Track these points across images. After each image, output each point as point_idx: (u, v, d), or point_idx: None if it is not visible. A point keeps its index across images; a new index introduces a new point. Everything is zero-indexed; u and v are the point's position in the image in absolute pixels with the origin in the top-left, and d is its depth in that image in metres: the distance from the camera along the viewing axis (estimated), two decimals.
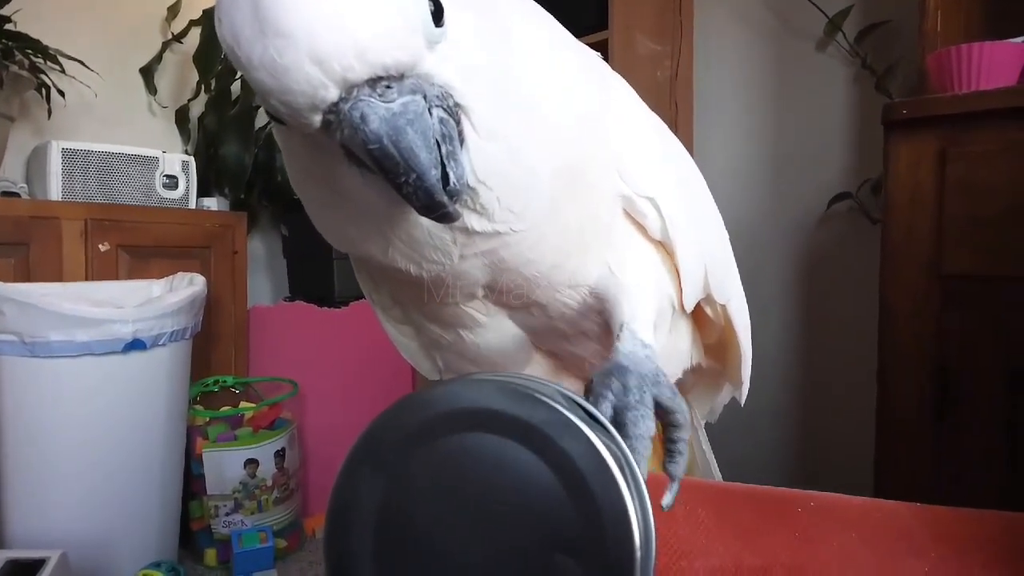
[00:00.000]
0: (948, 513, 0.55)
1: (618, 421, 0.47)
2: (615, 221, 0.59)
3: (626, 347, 0.52)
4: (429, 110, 0.41)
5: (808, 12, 2.00)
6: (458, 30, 0.43)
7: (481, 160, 0.44)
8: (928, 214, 1.36)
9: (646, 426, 0.47)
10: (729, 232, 0.76)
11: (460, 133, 0.43)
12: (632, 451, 0.45)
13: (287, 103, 0.38)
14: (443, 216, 0.41)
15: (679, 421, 0.51)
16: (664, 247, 0.62)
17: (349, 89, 0.38)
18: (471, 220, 0.47)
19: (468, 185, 0.44)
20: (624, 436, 0.46)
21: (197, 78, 2.34)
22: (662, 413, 0.50)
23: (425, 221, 0.46)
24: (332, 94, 0.38)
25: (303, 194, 0.53)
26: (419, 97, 0.40)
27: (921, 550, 0.51)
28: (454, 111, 0.43)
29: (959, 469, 1.34)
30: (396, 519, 0.34)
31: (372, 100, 0.38)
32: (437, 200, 0.40)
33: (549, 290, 0.55)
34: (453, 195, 0.41)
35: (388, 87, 0.39)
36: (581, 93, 0.52)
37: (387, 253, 0.50)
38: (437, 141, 0.41)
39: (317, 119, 0.39)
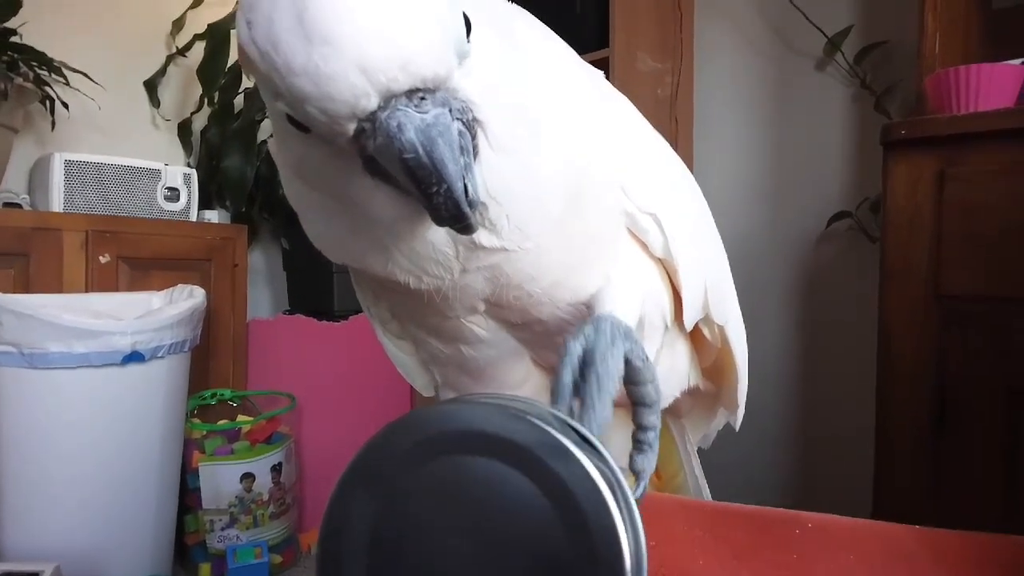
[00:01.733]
0: (947, 536, 0.55)
1: (586, 361, 0.48)
2: (618, 238, 0.59)
3: (603, 310, 0.53)
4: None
5: (808, 31, 2.01)
6: (479, 47, 0.43)
7: (493, 175, 0.45)
8: (926, 234, 1.37)
9: (615, 364, 0.48)
10: (728, 250, 0.76)
11: (475, 148, 0.44)
12: (599, 390, 0.46)
13: (326, 110, 0.39)
14: (465, 228, 0.42)
15: (650, 396, 0.51)
16: (665, 265, 0.62)
17: (388, 99, 0.39)
18: (479, 235, 0.47)
19: (480, 199, 0.45)
20: (590, 372, 0.47)
21: (200, 91, 2.35)
22: (631, 375, 0.50)
23: (430, 235, 0.47)
24: (372, 103, 0.38)
25: (302, 204, 0.53)
26: (446, 110, 0.41)
27: (923, 573, 0.51)
28: (471, 125, 0.43)
29: (958, 489, 1.34)
30: (389, 542, 0.34)
31: (409, 110, 0.39)
32: (463, 211, 0.40)
33: (550, 306, 0.56)
34: (472, 207, 0.42)
35: (423, 99, 0.39)
36: (588, 112, 0.53)
37: (387, 266, 0.50)
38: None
39: (352, 127, 0.40)
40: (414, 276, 0.50)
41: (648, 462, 0.51)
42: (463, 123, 0.43)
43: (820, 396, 2.11)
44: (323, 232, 0.53)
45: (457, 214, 0.40)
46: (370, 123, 0.39)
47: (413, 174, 0.39)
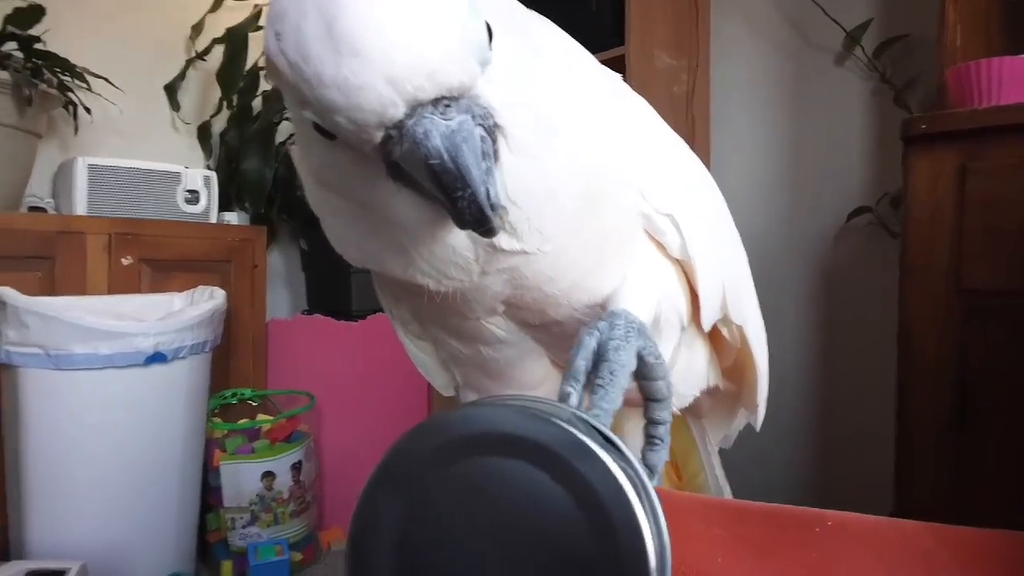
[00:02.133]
0: (967, 533, 0.54)
1: (599, 353, 0.49)
2: (635, 239, 0.59)
3: (617, 308, 0.54)
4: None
5: (826, 26, 2.00)
6: (500, 54, 0.44)
7: (513, 179, 0.46)
8: (948, 229, 1.35)
9: (627, 358, 0.49)
10: (747, 247, 0.76)
11: (495, 152, 0.45)
12: (610, 381, 0.47)
13: (354, 119, 0.40)
14: (488, 231, 0.43)
15: (661, 392, 0.52)
16: (683, 266, 0.63)
17: (414, 107, 0.40)
18: (499, 238, 0.48)
19: (501, 203, 0.45)
20: (603, 364, 0.48)
21: (219, 95, 2.38)
22: (644, 371, 0.51)
23: (450, 238, 0.48)
24: (400, 112, 0.39)
25: (324, 209, 0.54)
26: (469, 116, 0.42)
27: (941, 571, 0.51)
28: (492, 131, 0.44)
29: (980, 485, 1.32)
30: (416, 542, 0.35)
31: (434, 118, 0.40)
32: (487, 214, 0.41)
33: (568, 307, 0.56)
34: (494, 210, 0.43)
35: (447, 106, 0.40)
36: (605, 115, 0.53)
37: (407, 269, 0.51)
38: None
39: (379, 135, 0.41)
40: (434, 279, 0.51)
41: (660, 456, 0.52)
42: (484, 129, 0.43)
43: (840, 393, 2.09)
44: (344, 236, 0.54)
45: (481, 217, 0.41)
46: (397, 130, 0.40)
47: (439, 179, 0.40)
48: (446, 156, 0.39)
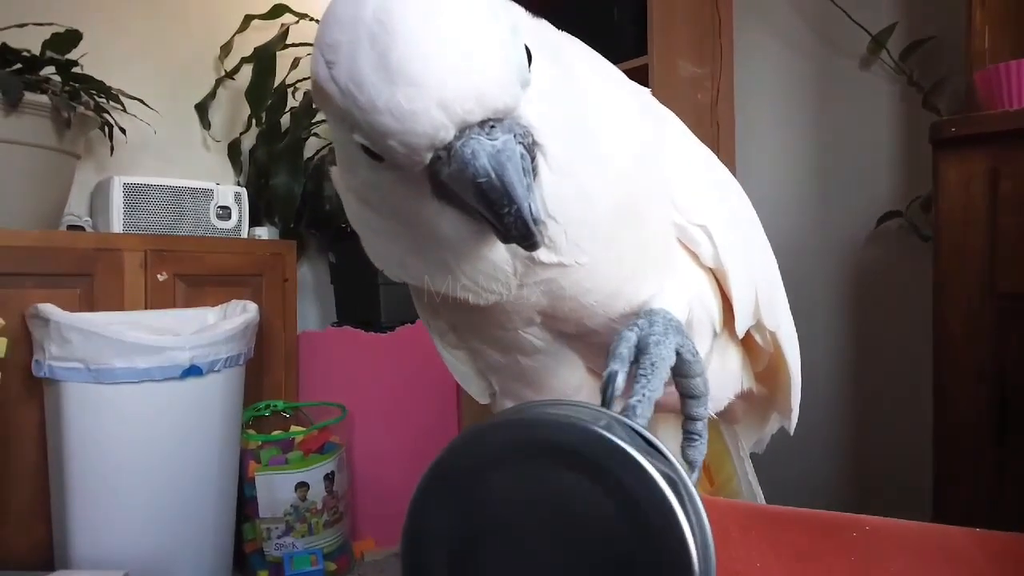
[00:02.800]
0: (1007, 538, 0.54)
1: (640, 347, 0.50)
2: (669, 250, 0.60)
3: (655, 306, 0.56)
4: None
5: (850, 30, 1.99)
6: (537, 74, 0.46)
7: (552, 195, 0.47)
8: (980, 232, 1.34)
9: (668, 352, 0.50)
10: (776, 253, 0.77)
11: (535, 169, 0.47)
12: (652, 374, 0.48)
13: (406, 143, 0.41)
14: (531, 245, 0.44)
15: (699, 389, 0.53)
16: (715, 273, 0.64)
17: (463, 129, 0.41)
18: (539, 252, 0.49)
19: (542, 218, 0.47)
20: (644, 357, 0.49)
21: (248, 112, 2.43)
22: (681, 368, 0.52)
23: (491, 253, 0.49)
24: (450, 135, 0.41)
25: (366, 227, 0.56)
26: (511, 136, 0.43)
27: (980, 575, 0.50)
28: (531, 149, 0.46)
29: (1021, 491, 1.30)
30: (466, 549, 0.36)
31: (481, 138, 0.42)
32: (531, 229, 0.43)
33: (604, 317, 0.57)
34: (536, 225, 0.44)
35: (492, 127, 0.42)
36: (638, 130, 0.55)
37: (448, 283, 0.53)
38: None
39: (428, 157, 0.43)
40: (474, 292, 0.52)
41: (699, 451, 0.53)
42: (524, 147, 0.45)
43: (873, 398, 2.07)
44: (385, 253, 0.56)
45: (526, 232, 0.43)
46: (445, 151, 0.42)
47: (485, 196, 0.42)
48: (493, 174, 0.41)
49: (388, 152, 0.43)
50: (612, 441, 0.34)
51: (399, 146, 0.42)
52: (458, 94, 0.40)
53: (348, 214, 0.57)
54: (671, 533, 0.33)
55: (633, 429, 0.38)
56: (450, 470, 0.37)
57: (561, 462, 0.34)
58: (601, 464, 0.34)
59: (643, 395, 0.47)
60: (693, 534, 0.33)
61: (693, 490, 0.35)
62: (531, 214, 0.42)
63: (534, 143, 0.46)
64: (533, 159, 0.46)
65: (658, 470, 0.34)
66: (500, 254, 0.50)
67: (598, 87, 0.53)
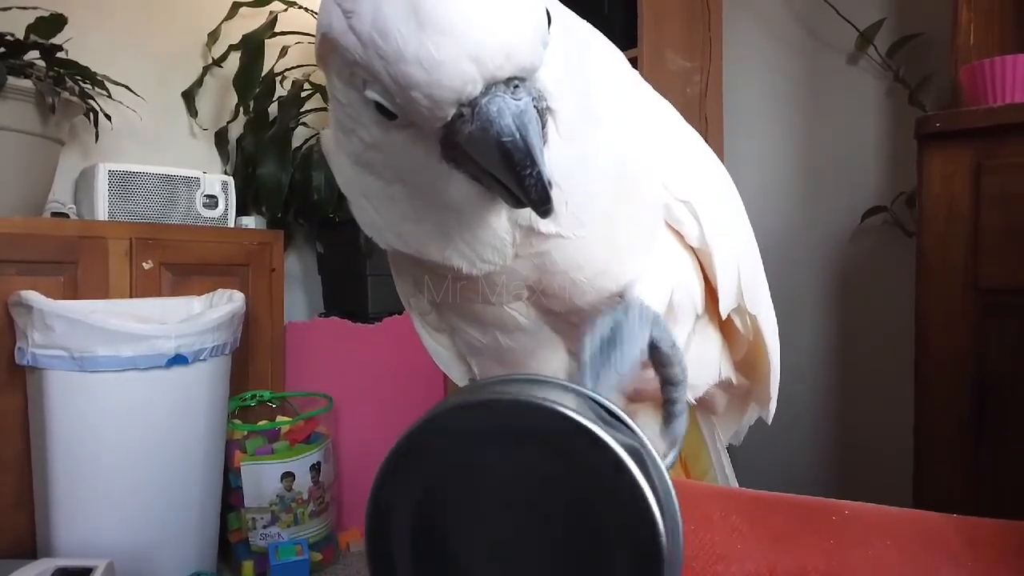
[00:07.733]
0: (986, 524, 0.55)
1: (612, 337, 0.50)
2: (657, 231, 0.61)
3: (631, 297, 0.56)
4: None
5: (839, 26, 2.00)
6: (553, 41, 0.46)
7: (558, 161, 0.47)
8: (964, 227, 1.35)
9: (639, 344, 0.50)
10: (761, 247, 0.77)
11: (545, 134, 0.46)
12: (620, 359, 0.49)
13: (432, 95, 0.41)
14: (546, 211, 0.44)
15: (677, 376, 0.54)
16: (699, 255, 0.64)
17: (489, 86, 0.41)
18: (540, 221, 0.49)
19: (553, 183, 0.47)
20: (613, 347, 0.50)
21: (236, 101, 2.41)
22: (659, 358, 0.53)
23: (493, 220, 0.49)
24: (477, 89, 0.41)
25: (361, 192, 0.54)
26: (531, 98, 0.43)
27: (957, 559, 0.51)
28: (543, 113, 0.46)
29: (999, 483, 1.32)
30: (430, 527, 0.36)
31: (507, 97, 0.41)
32: (549, 192, 0.42)
33: (593, 295, 0.57)
34: (551, 189, 0.44)
35: (516, 87, 0.42)
36: (634, 106, 0.55)
37: (444, 250, 0.52)
38: None
39: (452, 112, 0.42)
40: (468, 260, 0.52)
41: (679, 428, 0.54)
42: (538, 111, 0.45)
43: (856, 392, 2.09)
44: (380, 219, 0.55)
45: (544, 195, 0.42)
46: (469, 108, 0.41)
47: (510, 157, 0.41)
48: (517, 135, 0.41)
49: (410, 105, 0.42)
50: (570, 417, 0.34)
51: (423, 98, 0.41)
52: (490, 48, 0.40)
53: (340, 180, 0.56)
54: (635, 502, 0.33)
55: (596, 401, 0.38)
56: (413, 447, 0.36)
57: (519, 439, 0.34)
58: (560, 438, 0.34)
59: (615, 373, 0.47)
60: (658, 500, 0.33)
61: (657, 459, 0.35)
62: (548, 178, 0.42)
63: (547, 108, 0.46)
64: (544, 125, 0.46)
65: (619, 440, 0.33)
66: (502, 222, 0.50)
67: (604, 61, 0.54)
